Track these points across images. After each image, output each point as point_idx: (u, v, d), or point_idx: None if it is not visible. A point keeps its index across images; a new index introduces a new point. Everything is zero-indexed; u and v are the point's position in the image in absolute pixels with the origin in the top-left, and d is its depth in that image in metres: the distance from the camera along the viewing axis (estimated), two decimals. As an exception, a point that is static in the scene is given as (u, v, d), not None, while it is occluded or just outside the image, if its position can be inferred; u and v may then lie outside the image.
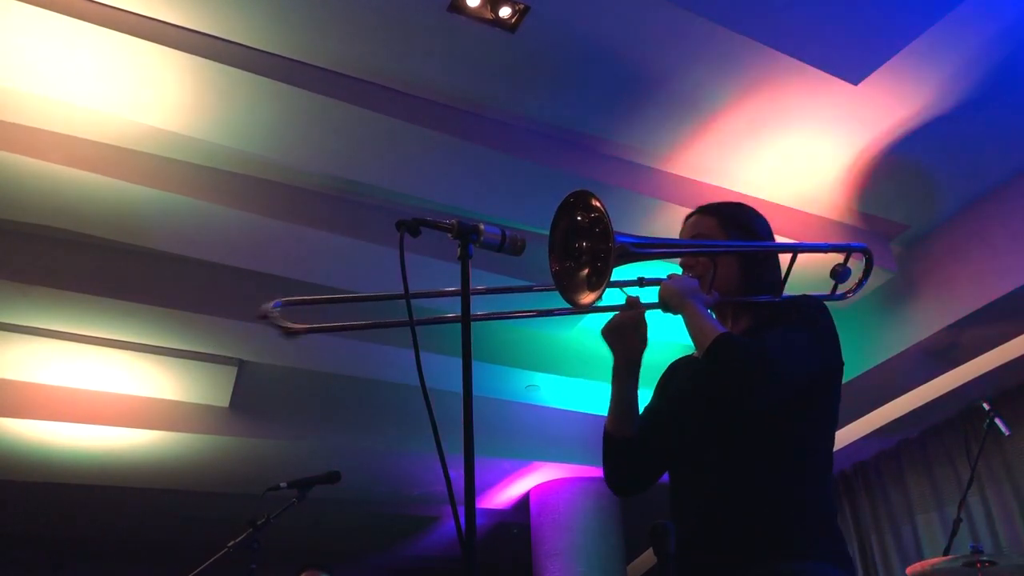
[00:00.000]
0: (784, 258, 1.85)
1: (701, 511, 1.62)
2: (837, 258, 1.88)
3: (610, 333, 1.74)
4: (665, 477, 1.79)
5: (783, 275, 1.81)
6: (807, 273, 1.99)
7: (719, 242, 1.78)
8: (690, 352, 1.87)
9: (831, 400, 1.68)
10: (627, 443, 1.77)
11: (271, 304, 1.64)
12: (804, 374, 1.59)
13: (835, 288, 1.88)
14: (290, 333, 1.64)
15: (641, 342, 1.73)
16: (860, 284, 1.95)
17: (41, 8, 2.81)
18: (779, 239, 1.92)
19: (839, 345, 1.68)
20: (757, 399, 1.54)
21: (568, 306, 1.65)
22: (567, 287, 1.62)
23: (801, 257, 1.84)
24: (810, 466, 1.61)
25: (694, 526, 1.62)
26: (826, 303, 1.74)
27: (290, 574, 4.79)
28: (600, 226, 1.60)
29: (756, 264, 1.78)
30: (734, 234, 1.79)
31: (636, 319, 1.71)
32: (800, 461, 1.61)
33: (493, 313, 1.87)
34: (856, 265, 1.92)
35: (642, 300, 1.75)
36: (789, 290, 1.80)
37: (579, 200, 1.61)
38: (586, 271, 1.63)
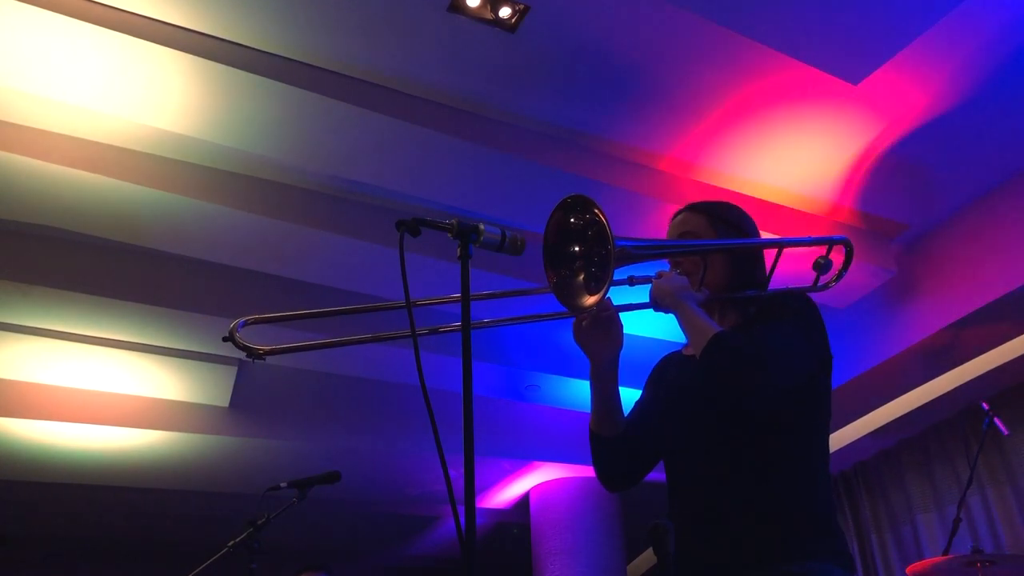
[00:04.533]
0: (769, 253, 1.86)
1: (699, 511, 1.62)
2: (820, 251, 1.90)
3: (584, 337, 1.71)
4: (665, 477, 1.79)
5: (769, 270, 1.82)
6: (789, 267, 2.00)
7: (712, 241, 1.78)
8: (678, 347, 1.88)
9: (823, 394, 1.68)
10: (614, 441, 1.78)
11: (235, 324, 1.61)
12: (799, 369, 1.59)
13: (817, 280, 1.89)
14: (256, 356, 1.62)
15: (617, 342, 1.72)
16: (840, 275, 1.96)
17: (42, 8, 2.81)
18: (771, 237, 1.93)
19: (827, 338, 1.68)
20: (756, 396, 1.55)
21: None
22: (566, 295, 1.61)
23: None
24: (807, 463, 1.61)
25: (692, 527, 1.61)
26: (825, 302, 1.75)
27: (290, 574, 4.80)
28: (595, 229, 1.58)
29: (744, 261, 1.79)
30: (723, 231, 1.80)
31: (609, 321, 1.70)
32: (797, 458, 1.60)
33: (494, 320, 1.87)
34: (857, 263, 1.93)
35: (634, 300, 1.75)
36: (773, 284, 1.81)
37: (574, 204, 1.60)
38: (582, 276, 1.62)
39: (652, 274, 1.73)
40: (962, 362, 4.81)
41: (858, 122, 3.78)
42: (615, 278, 1.59)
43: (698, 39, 3.26)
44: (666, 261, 1.81)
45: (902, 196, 4.31)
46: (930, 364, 4.80)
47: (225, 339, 1.60)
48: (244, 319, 1.64)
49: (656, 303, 1.67)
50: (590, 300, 1.58)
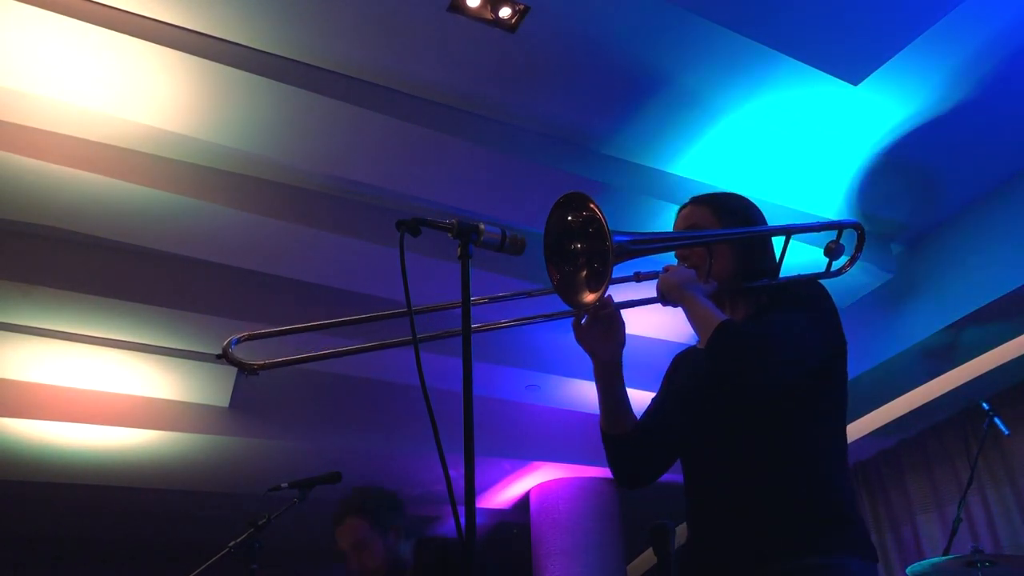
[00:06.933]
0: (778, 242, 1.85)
1: (715, 506, 1.61)
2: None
3: (584, 335, 1.69)
4: (667, 476, 1.79)
5: (778, 258, 1.81)
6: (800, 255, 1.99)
7: (714, 231, 1.76)
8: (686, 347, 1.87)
9: (838, 381, 1.66)
10: (626, 439, 1.74)
11: (228, 342, 1.60)
12: (808, 354, 1.57)
13: (830, 266, 1.88)
14: (250, 371, 1.62)
15: (619, 340, 1.69)
16: (855, 259, 1.94)
17: (41, 8, 2.81)
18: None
19: (840, 324, 1.67)
20: (764, 383, 1.53)
21: (568, 308, 1.64)
22: (567, 292, 1.60)
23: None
24: (823, 454, 1.60)
25: (712, 522, 1.60)
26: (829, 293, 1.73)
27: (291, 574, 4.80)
28: (594, 226, 1.57)
29: (751, 250, 1.77)
30: (729, 222, 1.79)
31: (609, 319, 1.68)
32: (812, 449, 1.59)
33: (494, 324, 1.86)
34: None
35: (639, 298, 1.74)
36: (785, 271, 1.80)
37: (570, 201, 1.59)
38: (584, 273, 1.60)
39: (659, 269, 1.71)
40: (962, 362, 4.81)
41: (858, 123, 3.78)
42: (619, 274, 1.58)
43: (698, 39, 3.26)
44: (672, 255, 1.80)
45: (902, 196, 4.31)
46: (930, 364, 4.80)
47: (219, 357, 1.59)
48: (237, 337, 1.62)
49: (663, 297, 1.66)
50: (590, 297, 1.56)
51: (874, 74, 3.42)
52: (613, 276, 1.53)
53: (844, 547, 1.50)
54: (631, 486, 1.81)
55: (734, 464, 1.60)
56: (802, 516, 1.52)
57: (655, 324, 4.63)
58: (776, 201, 4.21)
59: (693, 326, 1.61)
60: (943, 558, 3.33)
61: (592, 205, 1.55)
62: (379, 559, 2.68)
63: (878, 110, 3.71)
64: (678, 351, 1.94)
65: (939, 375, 4.95)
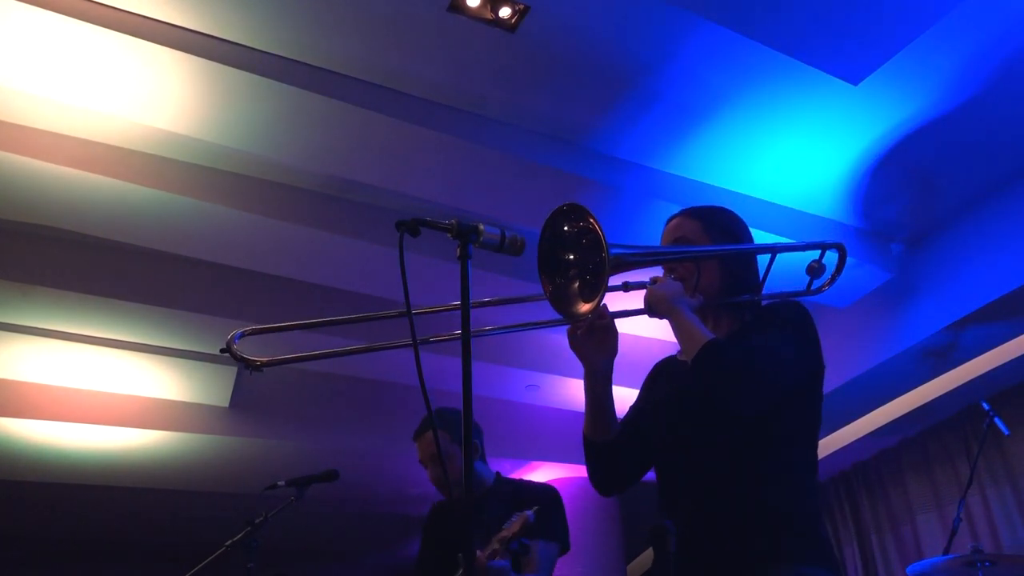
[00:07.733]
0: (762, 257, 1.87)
1: (689, 517, 1.63)
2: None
3: (579, 344, 1.71)
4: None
5: (762, 276, 1.83)
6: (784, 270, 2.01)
7: (706, 247, 1.79)
8: (675, 349, 1.87)
9: (814, 403, 1.69)
10: (608, 446, 1.77)
11: (232, 336, 1.60)
12: (790, 378, 1.60)
13: (810, 284, 1.90)
14: (253, 368, 1.62)
15: (612, 349, 1.72)
16: (834, 280, 1.98)
17: (41, 8, 2.81)
18: (774, 239, 1.93)
19: (820, 348, 1.69)
20: (746, 404, 1.56)
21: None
22: (561, 303, 1.61)
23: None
24: (796, 470, 1.63)
25: (683, 532, 1.62)
26: (825, 302, 1.75)
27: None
28: (589, 237, 1.58)
29: (737, 266, 1.79)
30: (717, 237, 1.81)
31: (604, 328, 1.70)
32: (786, 465, 1.62)
33: (493, 328, 1.86)
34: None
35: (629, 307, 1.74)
36: (768, 286, 1.83)
37: (567, 212, 1.60)
38: (577, 284, 1.61)
39: (646, 279, 1.73)
40: (962, 362, 4.81)
41: (858, 123, 3.78)
42: (609, 284, 1.59)
43: (698, 39, 3.26)
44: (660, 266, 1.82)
45: (902, 196, 4.31)
46: (930, 364, 4.81)
47: (223, 351, 1.59)
48: (241, 331, 1.62)
49: (651, 309, 1.67)
50: (585, 307, 1.58)
51: (874, 74, 3.42)
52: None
53: (812, 560, 1.53)
54: (607, 492, 1.84)
55: (709, 477, 1.62)
56: (776, 528, 1.55)
57: (648, 324, 4.62)
58: (776, 201, 4.22)
59: (679, 340, 1.63)
60: (943, 558, 3.33)
61: (590, 217, 1.56)
62: (457, 471, 2.69)
63: (878, 110, 3.71)
64: (668, 352, 1.94)
65: (939, 375, 4.95)
